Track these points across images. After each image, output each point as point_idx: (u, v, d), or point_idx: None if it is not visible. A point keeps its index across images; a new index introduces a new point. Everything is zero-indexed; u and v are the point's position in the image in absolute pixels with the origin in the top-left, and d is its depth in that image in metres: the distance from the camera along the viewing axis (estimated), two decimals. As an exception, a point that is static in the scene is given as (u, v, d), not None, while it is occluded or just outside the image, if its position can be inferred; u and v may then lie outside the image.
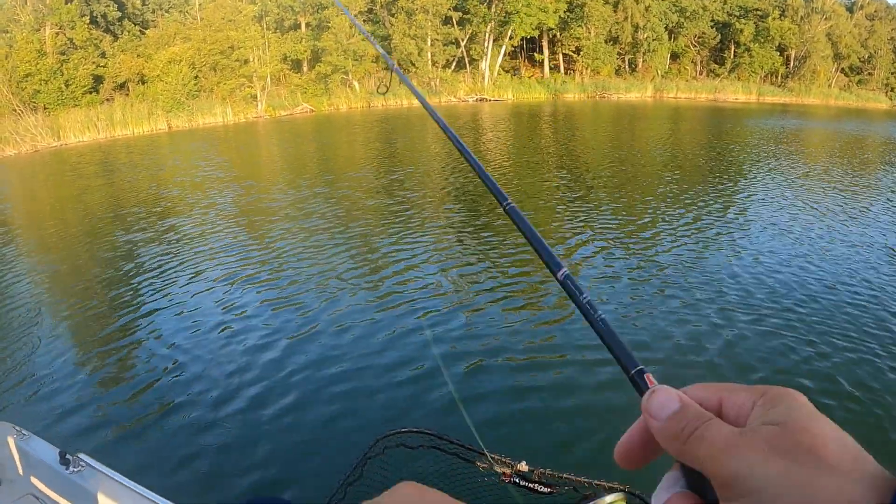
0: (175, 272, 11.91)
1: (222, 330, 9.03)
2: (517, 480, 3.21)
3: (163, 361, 8.19)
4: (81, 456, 3.44)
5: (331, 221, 15.09)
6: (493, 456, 3.28)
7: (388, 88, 3.95)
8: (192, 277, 11.57)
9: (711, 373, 7.43)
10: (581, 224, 14.32)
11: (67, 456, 3.42)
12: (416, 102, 48.02)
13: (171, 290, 10.95)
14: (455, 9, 53.64)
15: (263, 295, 10.48)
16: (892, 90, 63.10)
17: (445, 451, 3.35)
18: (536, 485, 3.19)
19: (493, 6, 53.44)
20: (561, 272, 0.99)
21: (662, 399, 0.64)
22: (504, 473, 3.21)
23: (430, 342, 8.33)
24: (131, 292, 11.14)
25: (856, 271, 11.19)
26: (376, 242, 13.28)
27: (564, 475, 3.18)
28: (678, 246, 12.70)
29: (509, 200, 1.33)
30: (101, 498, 3.16)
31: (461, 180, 19.49)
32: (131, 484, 3.22)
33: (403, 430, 3.41)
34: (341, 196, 18.11)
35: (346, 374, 7.58)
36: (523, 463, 3.20)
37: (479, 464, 3.30)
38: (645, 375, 0.72)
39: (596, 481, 3.14)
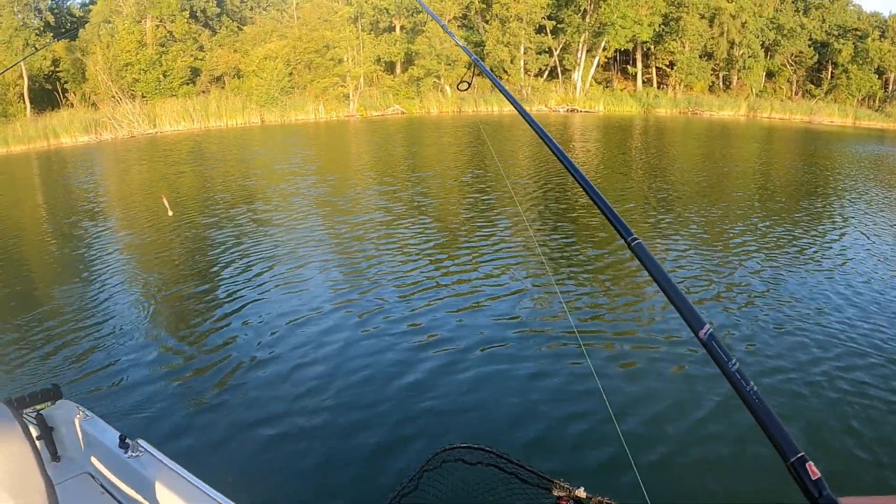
0: (259, 259, 12.16)
1: (298, 325, 9.11)
2: (573, 506, 3.15)
3: (236, 352, 8.33)
4: (141, 442, 3.53)
5: (418, 221, 15.13)
6: (551, 479, 3.23)
7: (468, 85, 3.82)
8: (273, 266, 11.78)
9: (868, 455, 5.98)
10: (672, 244, 13.89)
11: (127, 440, 3.52)
12: (507, 108, 48.35)
13: (252, 279, 11.18)
14: (549, 18, 53.42)
15: (344, 291, 10.54)
16: None
17: (504, 471, 3.32)
18: (593, 512, 3.12)
19: (588, 17, 52.99)
20: (704, 331, 0.89)
21: None
22: (560, 498, 3.16)
23: (527, 359, 8.23)
24: (212, 278, 11.44)
25: None
26: (462, 246, 13.15)
27: (623, 506, 3.12)
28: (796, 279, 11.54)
29: (634, 235, 1.17)
30: (156, 485, 3.22)
31: (549, 189, 19.37)
32: (188, 475, 3.27)
33: (463, 445, 3.39)
34: (430, 195, 18.20)
35: (421, 380, 7.50)
36: (581, 489, 3.14)
37: (536, 486, 3.25)
38: (807, 465, 0.66)
39: (656, 515, 3.06)
